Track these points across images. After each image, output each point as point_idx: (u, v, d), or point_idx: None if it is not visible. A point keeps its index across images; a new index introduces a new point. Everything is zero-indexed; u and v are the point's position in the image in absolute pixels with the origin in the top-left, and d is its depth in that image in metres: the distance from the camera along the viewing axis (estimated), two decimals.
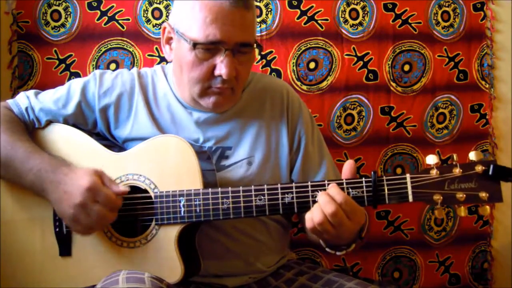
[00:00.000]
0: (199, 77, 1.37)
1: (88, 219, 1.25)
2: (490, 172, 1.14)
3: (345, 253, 1.33)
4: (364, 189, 1.21)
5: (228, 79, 1.35)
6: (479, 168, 1.16)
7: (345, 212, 1.18)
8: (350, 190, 1.21)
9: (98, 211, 1.25)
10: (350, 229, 1.21)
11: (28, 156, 1.33)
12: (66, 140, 1.44)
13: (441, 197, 1.17)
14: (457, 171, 1.17)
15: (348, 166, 1.26)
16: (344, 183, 1.22)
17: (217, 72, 1.35)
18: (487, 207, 1.16)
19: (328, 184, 1.23)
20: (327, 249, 1.36)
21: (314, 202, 1.22)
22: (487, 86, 2.09)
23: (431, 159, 1.18)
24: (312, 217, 1.19)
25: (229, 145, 1.47)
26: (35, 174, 1.31)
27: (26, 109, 1.46)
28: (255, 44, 1.40)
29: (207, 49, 1.34)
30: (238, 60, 1.36)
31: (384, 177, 1.21)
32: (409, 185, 1.19)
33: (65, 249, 1.37)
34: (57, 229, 1.36)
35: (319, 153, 1.55)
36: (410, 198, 1.19)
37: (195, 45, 1.33)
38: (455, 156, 1.18)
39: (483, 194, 1.15)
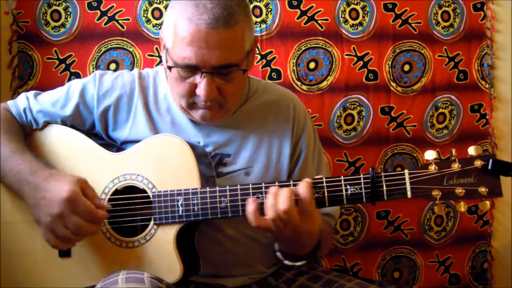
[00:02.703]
0: (183, 93, 1.35)
1: (65, 230, 1.22)
2: (490, 167, 1.13)
3: (293, 266, 1.39)
4: (362, 185, 1.21)
5: (207, 99, 1.33)
6: (478, 163, 1.15)
7: (299, 213, 1.19)
8: (348, 187, 1.21)
9: (76, 223, 1.21)
10: (297, 229, 1.20)
11: (10, 156, 1.31)
12: (64, 141, 1.44)
13: (440, 193, 1.16)
14: (455, 166, 1.16)
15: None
16: (342, 180, 1.21)
17: (197, 91, 1.32)
18: (487, 202, 1.15)
19: (326, 181, 1.22)
20: (278, 255, 1.38)
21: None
22: (487, 86, 2.09)
23: (430, 155, 1.17)
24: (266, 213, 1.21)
25: (228, 152, 1.46)
26: (14, 176, 1.29)
27: (24, 110, 1.46)
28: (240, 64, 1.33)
29: (187, 68, 1.31)
30: (220, 79, 1.32)
31: (383, 173, 1.21)
32: (407, 181, 1.19)
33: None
34: None
35: (317, 169, 1.55)
36: (409, 194, 1.19)
37: (170, 67, 1.32)
38: (453, 151, 1.17)
39: (483, 189, 1.14)
